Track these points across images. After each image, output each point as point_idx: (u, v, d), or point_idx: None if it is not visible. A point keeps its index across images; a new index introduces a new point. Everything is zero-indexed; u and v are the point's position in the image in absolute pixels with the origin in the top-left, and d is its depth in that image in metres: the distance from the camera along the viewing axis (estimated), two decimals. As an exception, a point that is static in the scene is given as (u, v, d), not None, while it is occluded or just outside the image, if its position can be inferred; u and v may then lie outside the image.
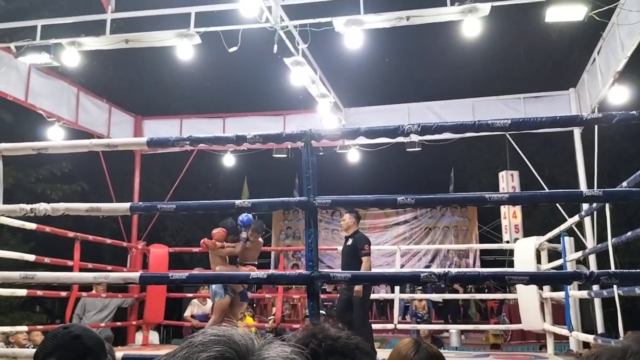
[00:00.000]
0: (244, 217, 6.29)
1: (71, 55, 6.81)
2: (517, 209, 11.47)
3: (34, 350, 1.74)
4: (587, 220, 7.10)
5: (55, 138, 7.66)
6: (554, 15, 5.98)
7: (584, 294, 5.80)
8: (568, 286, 5.75)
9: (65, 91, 8.20)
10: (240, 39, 6.41)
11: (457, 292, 10.59)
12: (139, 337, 8.33)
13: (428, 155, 10.18)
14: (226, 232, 6.29)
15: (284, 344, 0.75)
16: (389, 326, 8.20)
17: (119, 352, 3.63)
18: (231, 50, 6.43)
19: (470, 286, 10.21)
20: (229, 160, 9.75)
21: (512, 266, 7.38)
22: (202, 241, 6.31)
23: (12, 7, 9.54)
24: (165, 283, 6.49)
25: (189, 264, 11.32)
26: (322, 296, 5.34)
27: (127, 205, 3.80)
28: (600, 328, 6.97)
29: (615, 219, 5.26)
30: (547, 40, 12.37)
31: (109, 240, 8.21)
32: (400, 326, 8.24)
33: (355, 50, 6.74)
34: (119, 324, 8.22)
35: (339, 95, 8.65)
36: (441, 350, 1.92)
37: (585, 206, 5.60)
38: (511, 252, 8.10)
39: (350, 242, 5.78)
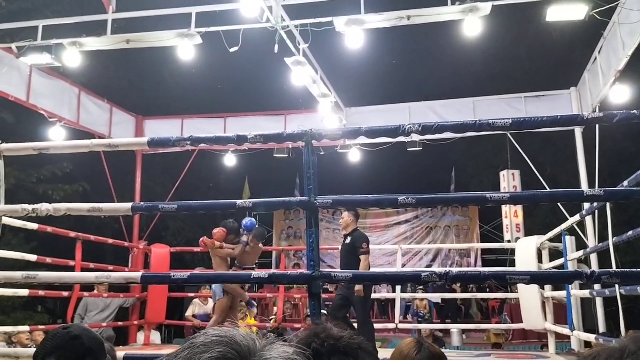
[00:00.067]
0: (248, 221, 6.33)
1: (72, 56, 6.82)
2: (519, 209, 11.46)
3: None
4: (589, 220, 7.10)
5: (56, 138, 7.67)
6: (555, 14, 5.97)
7: (585, 293, 5.80)
8: (569, 285, 5.76)
9: (67, 91, 8.21)
10: (241, 39, 6.42)
11: (455, 292, 10.59)
12: (140, 337, 8.34)
13: (429, 155, 10.18)
14: (226, 232, 6.30)
15: (285, 345, 0.76)
16: (391, 326, 8.20)
17: (121, 352, 3.63)
18: (232, 50, 6.43)
19: (471, 286, 10.20)
20: (230, 160, 9.75)
21: (514, 265, 7.37)
22: (201, 240, 6.34)
23: (14, 7, 9.54)
24: (167, 283, 6.50)
25: (190, 264, 11.32)
26: (323, 296, 5.34)
27: (129, 205, 3.81)
28: (602, 327, 6.96)
29: (616, 218, 5.26)
30: (548, 39, 12.36)
31: (110, 241, 8.23)
32: (402, 326, 8.25)
33: (356, 50, 6.74)
34: (120, 323, 8.23)
35: (340, 95, 8.65)
36: (443, 350, 1.93)
37: (586, 205, 5.59)
38: (512, 252, 8.09)
39: (349, 240, 5.77)
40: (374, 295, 10.09)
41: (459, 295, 10.18)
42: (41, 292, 6.58)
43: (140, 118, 9.69)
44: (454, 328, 9.63)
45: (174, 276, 3.76)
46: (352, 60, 10.18)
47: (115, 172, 9.14)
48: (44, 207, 3.74)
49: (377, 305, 11.45)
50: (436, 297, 10.31)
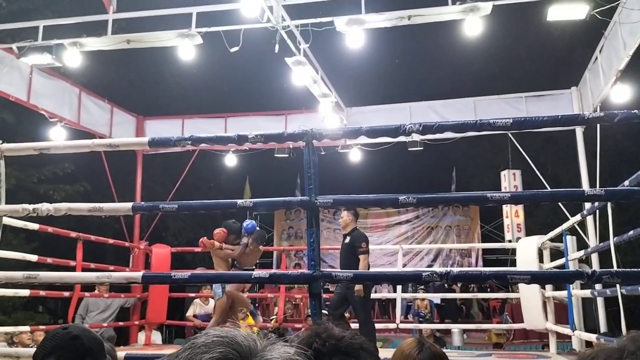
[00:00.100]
0: (249, 223, 6.34)
1: (73, 56, 6.82)
2: (519, 208, 11.47)
3: (37, 350, 1.74)
4: (590, 219, 7.09)
5: (57, 138, 7.67)
6: (555, 14, 5.97)
7: (586, 293, 5.79)
8: (570, 285, 5.75)
9: (67, 91, 8.21)
10: (242, 38, 6.41)
11: (454, 291, 10.60)
12: (141, 337, 8.34)
13: (430, 155, 10.17)
14: (227, 233, 6.31)
15: (286, 345, 0.75)
16: (391, 326, 8.20)
17: (122, 352, 3.63)
18: (233, 50, 6.43)
19: (472, 285, 10.20)
20: (230, 160, 9.75)
21: (515, 265, 7.37)
22: (200, 240, 6.35)
23: (14, 7, 9.54)
24: (167, 282, 6.50)
25: (191, 264, 11.32)
26: (324, 295, 5.34)
27: (129, 205, 3.81)
28: (602, 327, 6.96)
29: (617, 217, 5.25)
30: (549, 39, 12.35)
31: (111, 241, 8.23)
32: (403, 326, 8.24)
33: (357, 49, 6.74)
34: (121, 324, 8.23)
35: (340, 95, 8.65)
36: (444, 350, 1.92)
37: (587, 205, 5.59)
38: (513, 251, 8.09)
39: (348, 239, 5.77)
40: (374, 295, 10.11)
41: (459, 295, 10.18)
42: (42, 292, 6.58)
43: (141, 118, 9.69)
44: (455, 328, 9.63)
45: (174, 276, 3.76)
46: (352, 60, 10.18)
47: (116, 172, 9.14)
48: (45, 207, 3.74)
49: (378, 305, 11.45)
50: (436, 297, 10.31)
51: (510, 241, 10.93)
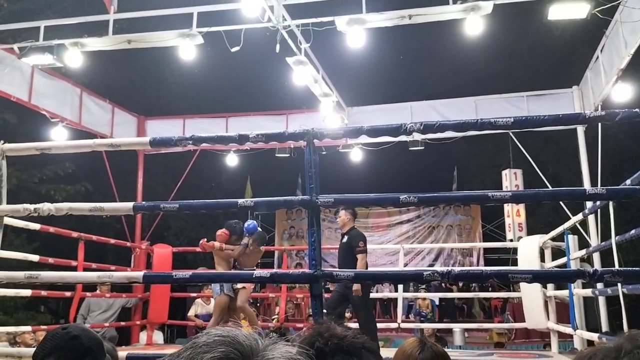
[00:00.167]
0: (250, 224, 6.34)
1: (74, 56, 6.83)
2: (521, 207, 11.46)
3: (38, 350, 1.74)
4: (591, 219, 7.08)
5: (58, 138, 7.68)
6: (556, 13, 5.96)
7: (588, 292, 5.79)
8: (572, 284, 5.75)
9: (69, 92, 8.22)
10: (243, 38, 6.42)
11: (452, 291, 10.60)
12: (143, 336, 8.35)
13: (431, 154, 10.17)
14: (228, 234, 6.32)
15: (288, 344, 0.75)
16: (393, 325, 8.20)
17: (123, 352, 3.64)
18: (233, 50, 6.43)
19: (473, 285, 10.20)
20: (231, 160, 9.75)
21: (516, 264, 7.36)
22: (200, 243, 6.36)
23: (16, 8, 9.56)
24: (168, 282, 6.51)
25: (192, 264, 11.33)
26: (325, 295, 5.33)
27: (130, 204, 3.81)
28: (604, 326, 6.95)
29: (619, 217, 5.25)
30: (550, 38, 12.34)
31: (112, 240, 8.24)
32: (404, 325, 8.24)
33: (358, 49, 6.74)
34: (123, 323, 8.24)
35: (341, 95, 8.65)
36: (445, 349, 1.92)
37: (589, 204, 5.58)
38: (515, 251, 8.09)
39: (345, 239, 5.77)
40: (376, 295, 10.14)
41: (457, 295, 10.18)
42: (43, 292, 6.58)
43: (142, 118, 9.70)
44: (456, 327, 9.63)
45: (175, 275, 3.77)
46: (353, 59, 10.18)
47: (117, 172, 9.14)
48: (46, 207, 3.74)
49: (380, 305, 11.45)
50: (434, 297, 10.31)
51: (511, 240, 10.93)
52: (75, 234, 6.61)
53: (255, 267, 6.43)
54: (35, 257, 6.32)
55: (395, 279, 5.57)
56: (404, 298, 9.03)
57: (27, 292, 6.18)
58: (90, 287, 7.31)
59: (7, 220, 4.36)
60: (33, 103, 7.52)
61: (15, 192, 8.53)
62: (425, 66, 14.47)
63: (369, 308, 6.08)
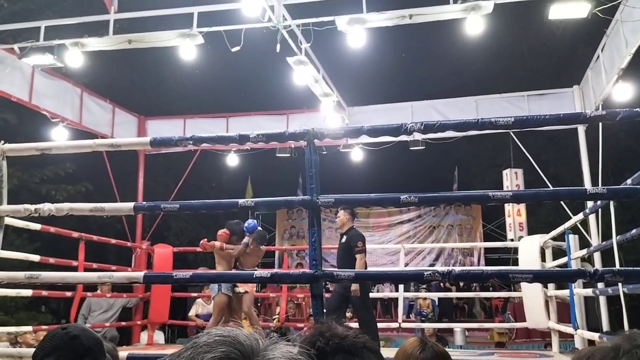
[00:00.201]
0: (250, 223, 6.34)
1: (74, 56, 6.83)
2: (522, 207, 11.46)
3: (39, 350, 1.74)
4: (592, 218, 7.08)
5: (59, 139, 7.68)
6: (557, 12, 5.96)
7: (588, 291, 5.78)
8: (573, 284, 5.74)
9: (69, 92, 8.22)
10: (243, 38, 6.41)
11: (450, 290, 10.60)
12: (144, 336, 8.35)
13: (432, 154, 10.17)
14: (229, 234, 6.33)
15: (289, 344, 0.75)
16: (394, 325, 8.20)
17: (124, 352, 3.64)
18: (234, 50, 6.43)
19: (474, 284, 10.20)
20: (232, 160, 9.75)
21: (517, 264, 7.36)
22: (201, 243, 6.37)
23: (16, 8, 9.56)
24: (169, 282, 6.51)
25: (193, 264, 11.33)
26: (326, 295, 5.33)
27: (131, 205, 3.81)
28: (605, 326, 6.94)
29: (620, 216, 5.25)
30: (551, 37, 12.34)
31: (113, 241, 8.24)
32: (405, 325, 8.24)
33: (358, 49, 6.73)
34: (124, 323, 8.24)
35: (342, 94, 8.65)
36: (446, 349, 1.92)
37: (589, 204, 5.58)
38: (515, 250, 8.08)
39: (344, 239, 5.76)
40: (377, 295, 10.14)
41: (456, 295, 10.18)
42: (44, 292, 6.58)
43: (143, 118, 9.70)
44: (457, 327, 9.62)
45: (176, 276, 3.77)
46: (354, 59, 10.18)
47: (118, 172, 9.14)
48: (46, 207, 3.75)
49: (380, 305, 11.45)
50: (432, 296, 10.31)
51: (512, 240, 10.93)
52: (76, 234, 6.61)
53: (256, 267, 6.43)
54: (36, 257, 6.32)
55: (395, 279, 5.58)
56: (405, 298, 9.03)
57: (27, 292, 6.18)
58: (91, 287, 7.31)
59: (8, 221, 4.36)
60: (33, 103, 7.52)
61: (16, 192, 8.54)
62: (425, 66, 14.47)
63: (369, 308, 6.08)
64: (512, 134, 8.46)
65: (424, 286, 9.84)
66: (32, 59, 6.84)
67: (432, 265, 13.52)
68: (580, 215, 5.71)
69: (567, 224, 5.98)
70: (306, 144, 3.44)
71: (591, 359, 0.96)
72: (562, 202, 7.74)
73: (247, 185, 14.53)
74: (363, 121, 7.91)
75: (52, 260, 6.43)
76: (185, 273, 3.67)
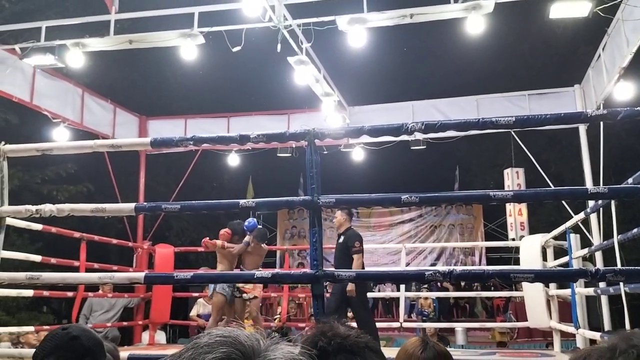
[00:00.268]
0: (250, 222, 6.35)
1: (76, 56, 6.83)
2: (523, 207, 11.44)
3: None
4: (593, 217, 7.07)
5: (60, 139, 7.69)
6: (558, 11, 5.95)
7: (590, 291, 5.78)
8: (574, 283, 5.74)
9: (70, 92, 8.23)
10: (244, 38, 6.42)
11: (448, 290, 10.59)
12: (145, 336, 8.36)
13: (433, 154, 10.15)
14: (230, 233, 6.34)
15: (290, 345, 0.75)
16: (395, 324, 8.19)
17: (125, 352, 3.65)
18: (235, 49, 6.43)
19: (476, 284, 10.19)
20: (233, 160, 9.76)
21: (518, 264, 7.36)
22: (203, 241, 6.39)
23: (17, 8, 9.57)
24: (170, 283, 6.52)
25: (194, 264, 11.34)
26: (327, 295, 5.33)
27: (132, 205, 3.82)
28: (607, 325, 6.94)
29: (621, 215, 5.24)
30: (552, 36, 12.32)
31: (114, 241, 8.25)
32: (406, 324, 8.24)
33: (359, 48, 6.73)
34: (125, 323, 8.25)
35: (343, 94, 8.64)
36: (447, 348, 1.92)
37: (591, 203, 5.58)
38: (517, 250, 8.07)
39: (342, 239, 5.76)
40: (378, 294, 10.14)
41: (455, 294, 10.17)
42: (45, 293, 6.59)
43: (144, 118, 9.71)
44: (458, 326, 9.62)
45: (177, 276, 3.78)
46: (355, 59, 10.17)
47: (119, 173, 9.15)
48: (47, 208, 3.75)
49: (382, 304, 11.45)
50: (431, 295, 10.31)
51: (513, 239, 10.91)
52: (77, 234, 6.62)
53: (260, 268, 6.42)
54: (37, 258, 6.33)
55: (397, 278, 5.59)
56: (406, 297, 9.03)
57: (29, 293, 6.19)
58: (92, 287, 7.32)
59: (10, 221, 4.36)
60: (35, 103, 7.53)
61: (17, 192, 8.56)
62: (426, 65, 14.45)
63: (368, 308, 6.08)
64: (513, 133, 8.45)
65: (425, 286, 9.84)
66: (33, 60, 6.85)
67: (433, 264, 13.51)
68: (582, 215, 5.70)
69: (569, 223, 5.97)
70: (307, 144, 3.44)
71: (588, 359, 0.96)
72: (563, 202, 7.73)
73: (248, 185, 14.53)
74: (364, 121, 7.92)
75: (53, 260, 6.44)
76: (187, 273, 3.67)
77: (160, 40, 6.88)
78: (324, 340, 1.28)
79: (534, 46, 13.46)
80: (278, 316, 8.85)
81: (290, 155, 9.14)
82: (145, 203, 4.30)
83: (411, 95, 9.75)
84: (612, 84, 6.65)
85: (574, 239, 6.13)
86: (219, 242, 6.24)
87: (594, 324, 7.15)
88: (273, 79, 11.69)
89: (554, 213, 11.55)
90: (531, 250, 6.64)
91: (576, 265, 5.87)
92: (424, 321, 9.24)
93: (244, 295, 6.23)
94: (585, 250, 5.96)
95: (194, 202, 3.78)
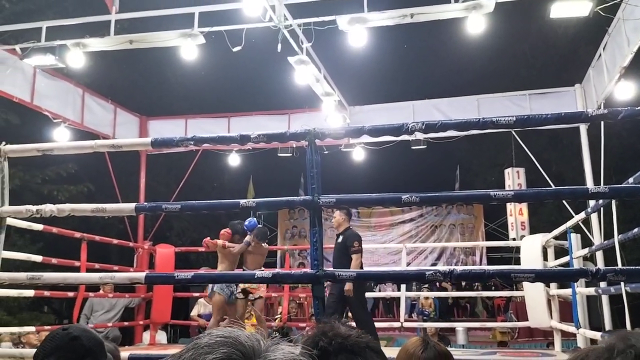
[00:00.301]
0: (250, 221, 6.36)
1: (76, 57, 6.84)
2: (523, 206, 11.44)
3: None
4: (594, 217, 7.07)
5: (61, 139, 7.69)
6: (558, 11, 5.95)
7: (591, 290, 5.78)
8: (575, 283, 5.74)
9: (71, 92, 8.23)
10: (244, 38, 6.42)
11: (447, 289, 10.59)
12: (146, 336, 8.36)
13: (433, 153, 10.15)
14: (231, 233, 6.34)
15: (291, 345, 0.75)
16: (396, 324, 8.19)
17: (126, 352, 3.65)
18: (235, 49, 6.43)
19: (476, 283, 10.19)
20: (234, 160, 9.76)
21: (519, 263, 7.35)
22: (204, 241, 6.39)
23: (18, 9, 9.58)
24: (170, 283, 6.52)
25: (195, 264, 11.35)
26: (326, 295, 5.32)
27: (132, 205, 3.82)
28: (608, 325, 6.94)
29: (622, 215, 5.24)
30: (552, 36, 12.32)
31: (115, 241, 8.25)
32: (407, 324, 8.23)
33: (360, 48, 6.73)
34: (126, 323, 8.25)
35: (343, 94, 8.64)
36: (448, 348, 1.92)
37: (592, 203, 5.58)
38: (517, 250, 8.07)
39: (340, 239, 5.75)
40: (378, 294, 10.14)
41: (455, 294, 10.17)
42: (46, 293, 6.60)
43: (144, 118, 9.71)
44: (459, 326, 9.61)
45: (177, 276, 3.78)
46: (355, 58, 10.17)
47: (120, 173, 9.16)
48: (48, 208, 3.75)
49: (382, 304, 11.44)
50: (431, 295, 10.30)
51: (514, 239, 10.91)
52: (78, 235, 6.62)
53: (262, 268, 6.41)
54: (38, 258, 6.33)
55: (397, 278, 5.57)
56: (407, 297, 9.02)
57: (30, 293, 6.19)
58: (93, 287, 7.32)
59: (10, 221, 4.37)
60: (35, 104, 7.54)
61: (18, 192, 8.56)
62: (427, 65, 14.46)
63: (366, 308, 6.07)
64: (513, 133, 8.45)
65: (426, 285, 9.84)
66: (33, 60, 6.85)
67: (434, 264, 13.51)
68: (582, 214, 5.70)
69: (569, 223, 5.97)
70: (307, 144, 3.44)
71: (586, 359, 0.96)
72: (564, 201, 7.73)
73: (248, 185, 14.53)
74: (364, 120, 7.91)
75: (54, 260, 6.44)
76: (187, 273, 3.67)
77: (161, 40, 6.88)
78: (324, 340, 1.28)
79: (535, 46, 13.46)
80: (279, 316, 8.85)
81: (290, 155, 9.14)
82: (145, 203, 4.31)
83: (412, 95, 9.76)
84: (613, 83, 6.65)
85: (575, 238, 6.13)
86: (219, 242, 6.24)
87: (595, 323, 7.15)
88: (273, 78, 11.69)
89: (554, 213, 11.54)
90: (532, 250, 6.63)
91: (577, 265, 5.87)
92: (424, 321, 9.24)
93: (250, 295, 6.22)
94: (586, 250, 5.95)
95: (194, 202, 3.78)
